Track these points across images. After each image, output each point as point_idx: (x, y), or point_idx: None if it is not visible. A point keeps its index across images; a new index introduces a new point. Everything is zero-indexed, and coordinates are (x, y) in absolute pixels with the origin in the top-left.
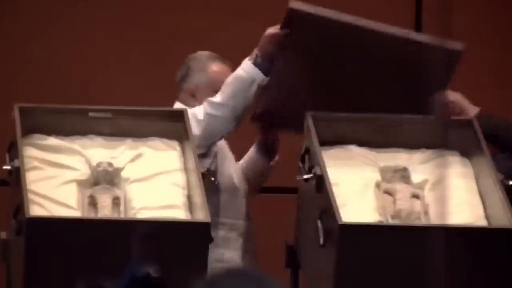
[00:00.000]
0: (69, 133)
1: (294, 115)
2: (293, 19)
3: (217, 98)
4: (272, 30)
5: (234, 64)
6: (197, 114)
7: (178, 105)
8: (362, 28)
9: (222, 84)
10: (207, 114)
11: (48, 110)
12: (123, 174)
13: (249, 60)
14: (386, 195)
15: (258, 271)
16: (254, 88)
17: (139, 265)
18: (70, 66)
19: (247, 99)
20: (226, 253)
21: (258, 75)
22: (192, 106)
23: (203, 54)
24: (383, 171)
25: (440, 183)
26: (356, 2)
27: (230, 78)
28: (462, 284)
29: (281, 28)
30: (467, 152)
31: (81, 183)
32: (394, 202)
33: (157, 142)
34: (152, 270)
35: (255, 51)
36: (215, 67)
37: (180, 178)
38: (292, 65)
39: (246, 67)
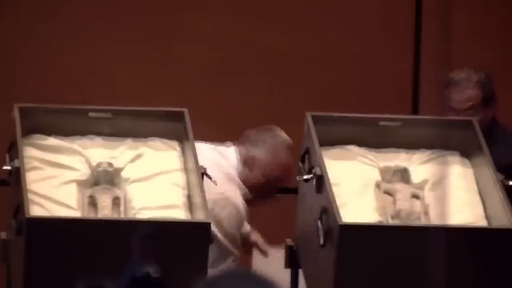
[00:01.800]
0: (69, 133)
1: None
2: None
3: None
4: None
5: (235, 64)
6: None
7: (232, 147)
8: None
9: (274, 179)
10: None
11: (48, 110)
12: (123, 174)
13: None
14: (386, 195)
15: (258, 272)
16: None
17: (139, 265)
18: (70, 66)
19: None
20: None
21: None
22: (244, 171)
23: (285, 139)
24: (383, 171)
25: (440, 183)
26: (357, 2)
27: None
28: (462, 284)
29: None
30: (467, 152)
31: (81, 183)
32: (394, 202)
33: (157, 142)
34: (152, 270)
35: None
36: (284, 161)
37: (180, 178)
38: None
39: None
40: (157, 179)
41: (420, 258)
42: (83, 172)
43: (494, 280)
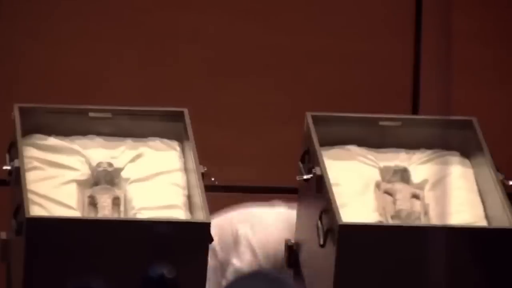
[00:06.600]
0: (69, 133)
1: None
2: None
3: None
4: None
5: (235, 63)
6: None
7: None
8: None
9: None
10: None
11: (48, 110)
12: (123, 174)
13: None
14: (386, 195)
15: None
16: None
17: (153, 266)
18: (71, 66)
19: None
20: None
21: None
22: None
23: None
24: (383, 171)
25: (440, 183)
26: (356, 2)
27: None
28: (462, 284)
29: None
30: (467, 152)
31: (81, 183)
32: (394, 202)
33: (157, 142)
34: (166, 271)
35: None
36: None
37: (180, 178)
38: None
39: None
40: (157, 179)
41: (420, 258)
42: (83, 172)
43: (494, 280)
